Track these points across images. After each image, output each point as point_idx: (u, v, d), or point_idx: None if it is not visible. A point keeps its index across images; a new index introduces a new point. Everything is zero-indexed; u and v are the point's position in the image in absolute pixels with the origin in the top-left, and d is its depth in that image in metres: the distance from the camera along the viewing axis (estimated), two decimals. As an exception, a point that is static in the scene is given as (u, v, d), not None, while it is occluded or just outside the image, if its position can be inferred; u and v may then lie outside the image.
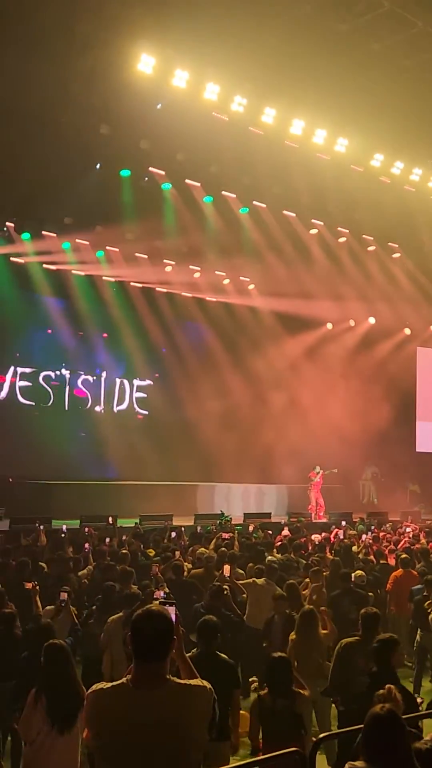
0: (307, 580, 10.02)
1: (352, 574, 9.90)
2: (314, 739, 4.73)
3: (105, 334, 23.99)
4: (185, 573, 10.14)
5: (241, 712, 6.34)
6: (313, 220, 22.42)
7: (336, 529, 15.66)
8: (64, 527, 15.06)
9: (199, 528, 16.29)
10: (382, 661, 5.58)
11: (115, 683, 3.29)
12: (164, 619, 3.27)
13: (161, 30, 14.36)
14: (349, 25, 14.39)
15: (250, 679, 9.29)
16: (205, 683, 3.33)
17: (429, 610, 7.24)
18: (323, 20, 14.43)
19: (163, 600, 4.50)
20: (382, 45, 15.23)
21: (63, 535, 14.09)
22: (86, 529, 14.54)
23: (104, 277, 23.39)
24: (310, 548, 13.28)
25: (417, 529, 16.94)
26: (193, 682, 3.34)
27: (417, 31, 14.62)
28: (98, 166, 18.09)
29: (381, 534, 15.51)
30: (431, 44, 15.16)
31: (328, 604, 8.82)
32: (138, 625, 3.25)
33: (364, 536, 14.53)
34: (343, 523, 17.91)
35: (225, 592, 8.14)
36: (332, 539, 14.33)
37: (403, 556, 11.61)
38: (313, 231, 22.84)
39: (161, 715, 3.12)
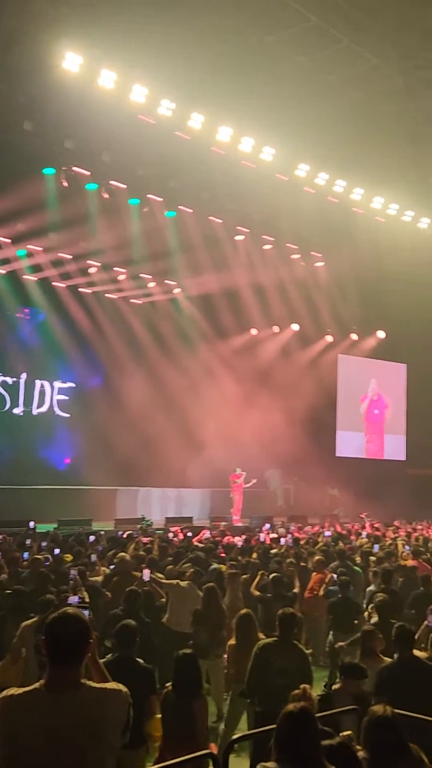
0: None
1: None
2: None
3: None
4: (102, 577, 10.06)
5: (158, 716, 6.29)
6: (238, 227, 22.62)
7: (261, 531, 15.84)
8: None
9: (119, 532, 16.16)
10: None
11: (27, 688, 3.21)
12: (80, 622, 3.24)
13: (88, 29, 14.22)
14: (276, 36, 14.57)
15: (167, 684, 9.22)
16: (121, 687, 3.30)
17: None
18: (251, 30, 14.58)
19: (77, 604, 4.42)
20: (308, 58, 15.50)
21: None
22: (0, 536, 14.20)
23: (25, 276, 22.92)
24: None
25: (335, 533, 17.23)
26: (108, 685, 3.31)
27: (342, 47, 14.92)
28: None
29: (301, 535, 15.79)
30: (356, 60, 15.50)
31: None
32: (54, 629, 3.20)
33: (283, 539, 14.71)
34: (267, 525, 18.08)
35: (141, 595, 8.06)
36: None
37: (318, 557, 11.76)
38: (239, 237, 23.04)
39: (76, 720, 3.07)
